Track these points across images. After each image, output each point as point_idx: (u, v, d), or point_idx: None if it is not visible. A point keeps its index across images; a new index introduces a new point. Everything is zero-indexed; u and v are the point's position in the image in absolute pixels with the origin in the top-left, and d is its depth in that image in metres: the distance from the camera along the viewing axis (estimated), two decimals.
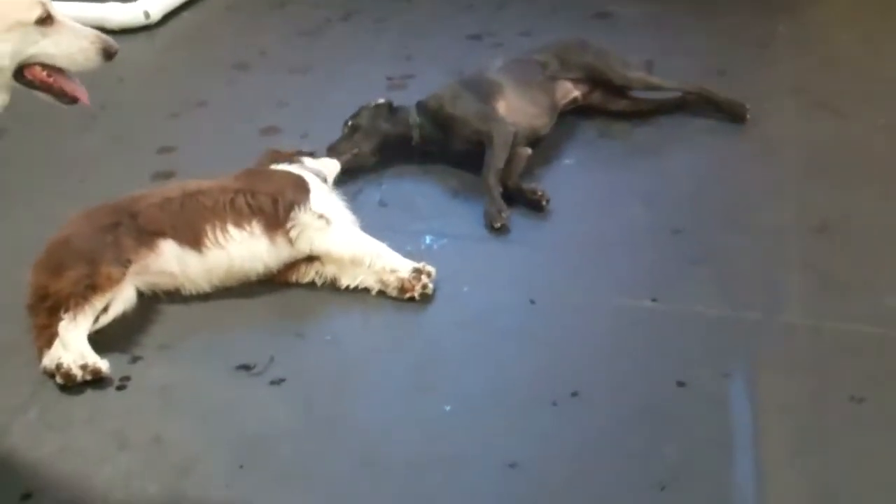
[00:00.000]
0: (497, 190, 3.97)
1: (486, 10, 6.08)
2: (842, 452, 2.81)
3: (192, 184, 3.64)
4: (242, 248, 3.51)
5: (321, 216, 3.56)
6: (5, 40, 2.76)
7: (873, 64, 5.17)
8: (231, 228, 3.50)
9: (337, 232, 3.56)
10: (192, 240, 3.48)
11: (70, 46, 2.85)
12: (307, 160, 3.95)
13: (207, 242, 3.48)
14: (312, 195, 3.63)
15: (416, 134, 4.30)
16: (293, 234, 3.53)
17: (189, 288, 3.53)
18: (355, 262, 3.53)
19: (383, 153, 4.28)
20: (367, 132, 4.23)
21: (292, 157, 3.95)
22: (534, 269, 3.70)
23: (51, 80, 2.87)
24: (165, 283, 3.52)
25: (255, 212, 3.54)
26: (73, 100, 2.91)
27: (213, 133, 4.74)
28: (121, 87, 5.26)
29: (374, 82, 5.05)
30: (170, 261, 3.48)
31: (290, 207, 3.55)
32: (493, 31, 5.72)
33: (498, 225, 3.85)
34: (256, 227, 3.52)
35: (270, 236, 3.53)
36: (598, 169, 4.35)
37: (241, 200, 3.55)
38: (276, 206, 3.54)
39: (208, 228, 3.48)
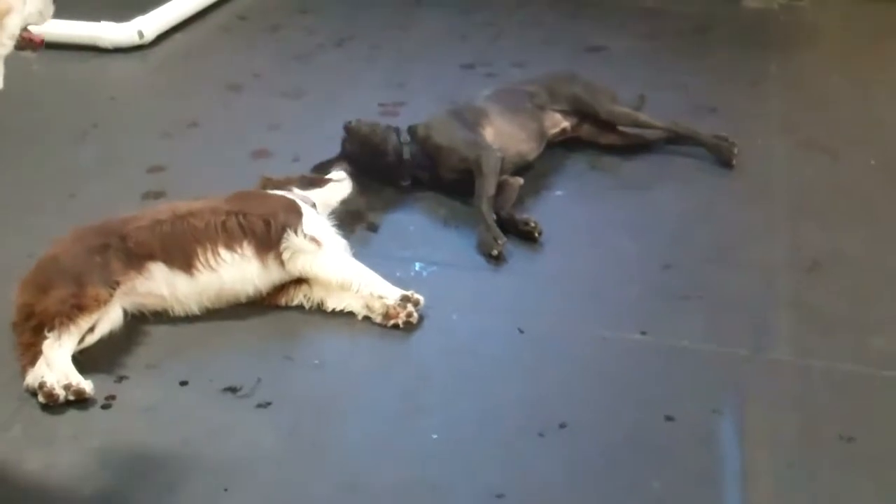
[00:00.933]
0: (491, 217, 3.96)
1: (480, 40, 6.12)
2: (830, 491, 2.81)
3: (183, 205, 3.62)
4: (234, 271, 3.50)
5: (313, 239, 3.55)
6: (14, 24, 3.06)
7: (864, 104, 5.22)
8: (222, 251, 3.49)
9: (327, 256, 3.55)
10: (183, 262, 3.46)
11: (44, 6, 3.21)
12: (296, 190, 3.91)
13: (198, 265, 3.46)
14: (304, 218, 3.62)
15: (406, 150, 4.31)
16: (285, 256, 3.52)
17: (178, 310, 3.51)
18: (344, 287, 3.52)
19: (374, 173, 4.29)
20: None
21: (283, 185, 3.93)
22: (523, 299, 3.69)
23: (27, 35, 3.17)
24: (153, 304, 3.50)
25: (247, 234, 3.52)
26: (41, 43, 3.22)
27: (205, 154, 4.74)
28: (113, 106, 5.27)
29: (367, 108, 5.04)
30: (159, 283, 3.46)
31: (282, 230, 3.53)
32: (486, 61, 5.75)
33: (495, 252, 3.85)
34: (248, 250, 3.51)
35: (262, 258, 3.52)
36: (588, 201, 4.35)
37: (232, 222, 3.53)
38: (268, 229, 3.53)
39: (199, 251, 3.47)
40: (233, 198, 3.70)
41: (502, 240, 3.88)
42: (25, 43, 3.16)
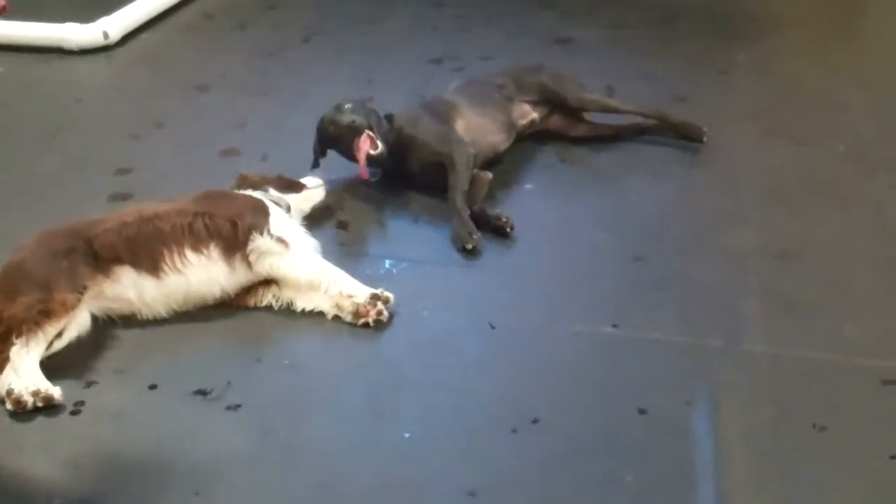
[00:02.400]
0: (465, 211, 3.94)
1: (447, 34, 6.09)
2: (804, 480, 2.81)
3: (149, 208, 3.58)
4: (200, 273, 3.47)
5: (280, 240, 3.53)
6: None
7: (831, 91, 5.22)
8: (189, 253, 3.46)
9: (295, 256, 3.53)
10: (150, 265, 3.43)
11: None
12: (272, 191, 3.88)
13: (165, 268, 3.43)
14: (271, 219, 3.59)
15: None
16: (252, 258, 3.50)
17: (145, 313, 3.47)
18: (313, 287, 3.50)
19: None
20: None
21: (259, 184, 3.89)
22: (494, 294, 3.67)
23: None
24: (121, 308, 3.46)
25: (214, 235, 3.49)
26: (4, 9, 3.15)
27: (172, 154, 4.70)
28: (79, 108, 5.23)
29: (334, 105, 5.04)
30: (126, 287, 3.43)
31: (248, 231, 3.51)
32: (454, 55, 5.72)
33: (470, 246, 3.83)
34: (214, 251, 3.48)
35: (229, 260, 3.49)
36: (558, 194, 4.34)
37: (199, 224, 3.50)
38: (234, 230, 3.50)
39: (166, 253, 3.44)
40: (200, 198, 3.67)
41: (477, 234, 3.86)
42: None
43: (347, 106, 4.22)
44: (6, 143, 4.80)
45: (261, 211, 3.61)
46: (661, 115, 4.69)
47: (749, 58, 5.63)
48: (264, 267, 3.50)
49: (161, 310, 3.48)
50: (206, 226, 3.50)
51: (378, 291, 3.48)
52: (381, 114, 4.32)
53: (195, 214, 3.52)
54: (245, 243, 3.49)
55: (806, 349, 3.31)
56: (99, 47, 5.82)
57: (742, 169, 4.45)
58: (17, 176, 4.49)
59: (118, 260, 3.42)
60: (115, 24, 5.90)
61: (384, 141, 4.14)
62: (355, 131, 4.07)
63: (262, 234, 3.51)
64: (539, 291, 3.68)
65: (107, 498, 2.82)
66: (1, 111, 5.09)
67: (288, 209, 3.82)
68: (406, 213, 4.15)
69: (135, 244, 3.44)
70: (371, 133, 4.06)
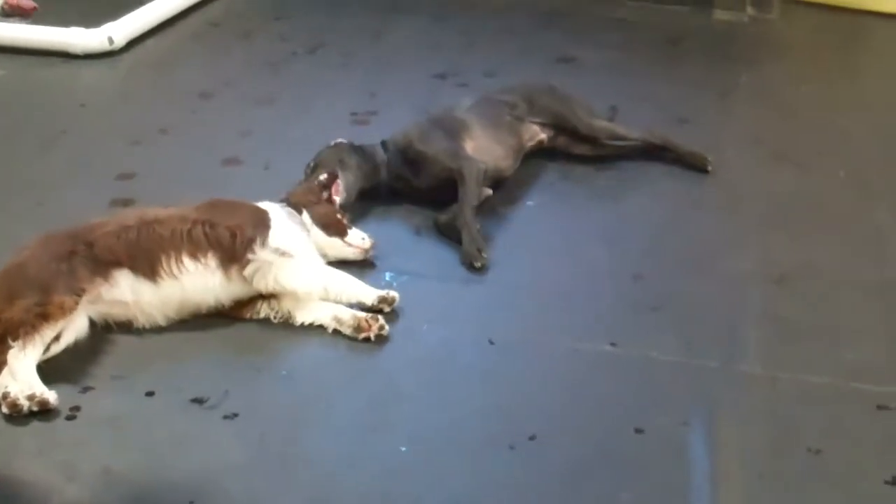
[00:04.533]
0: (476, 227, 3.95)
1: (452, 49, 6.11)
2: (799, 503, 2.81)
3: (151, 212, 3.57)
4: (196, 281, 3.45)
5: (281, 251, 3.51)
6: None
7: (833, 116, 5.25)
8: (186, 259, 3.44)
9: (297, 267, 3.52)
10: (147, 269, 3.42)
11: None
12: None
13: (162, 272, 3.42)
14: (273, 230, 3.57)
15: (384, 171, 4.28)
16: (249, 270, 3.47)
17: (142, 320, 3.46)
18: (317, 297, 3.50)
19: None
20: (346, 169, 4.14)
21: (298, 204, 3.83)
22: (494, 310, 3.68)
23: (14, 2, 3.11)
24: (119, 313, 3.45)
25: (213, 244, 3.48)
26: (33, 10, 3.15)
27: (174, 161, 4.70)
28: (82, 113, 5.23)
29: (339, 117, 5.06)
30: (124, 291, 3.42)
31: (248, 243, 3.48)
32: (458, 71, 5.74)
33: (479, 265, 3.83)
34: (212, 260, 3.47)
35: (225, 270, 3.47)
36: (560, 211, 4.35)
37: (198, 231, 3.49)
38: (233, 241, 3.48)
39: (163, 258, 3.43)
40: (203, 206, 3.65)
41: (486, 252, 3.87)
42: (13, 9, 3.08)
43: (323, 152, 4.19)
44: (8, 147, 4.80)
45: (262, 222, 3.59)
46: (667, 142, 4.69)
47: (751, 81, 5.66)
48: (263, 282, 3.48)
49: (158, 317, 3.46)
50: (205, 234, 3.48)
51: (384, 293, 3.51)
52: (377, 135, 4.34)
53: (195, 222, 3.51)
54: (244, 255, 3.47)
55: (803, 372, 3.31)
56: (104, 52, 5.82)
57: (743, 191, 4.47)
58: (19, 178, 4.49)
59: (117, 263, 3.41)
60: (120, 30, 5.90)
61: (387, 172, 4.22)
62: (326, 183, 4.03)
63: (262, 245, 3.50)
64: (538, 308, 3.69)
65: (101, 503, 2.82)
66: (3, 114, 5.09)
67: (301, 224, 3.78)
68: (408, 228, 4.15)
69: (134, 248, 3.43)
70: (338, 181, 4.04)
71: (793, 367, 3.33)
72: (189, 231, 3.48)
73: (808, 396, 3.21)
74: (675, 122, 5.02)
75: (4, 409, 3.07)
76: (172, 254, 3.43)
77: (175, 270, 3.43)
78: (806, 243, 4.06)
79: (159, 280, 3.42)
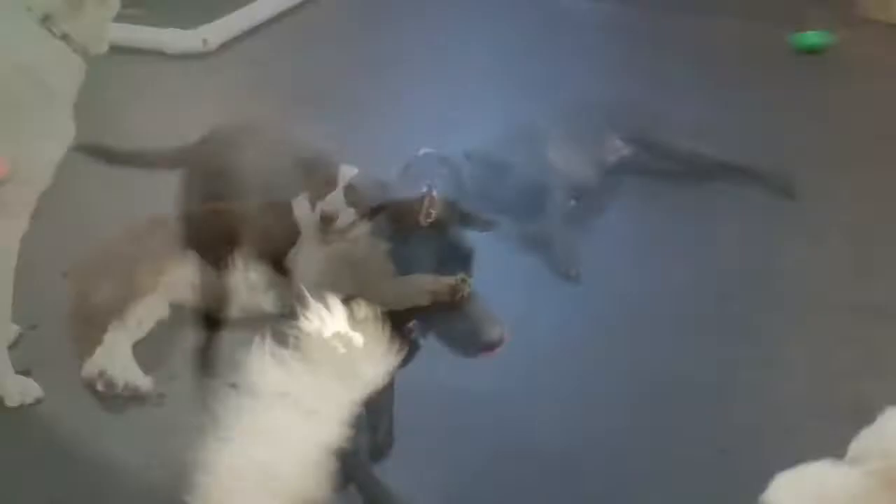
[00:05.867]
0: (568, 234, 3.99)
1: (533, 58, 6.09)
2: None
3: (242, 205, 3.61)
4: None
5: None
6: None
7: None
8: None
9: None
10: (218, 260, 3.41)
11: None
12: None
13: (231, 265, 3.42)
14: None
15: (468, 182, 4.26)
16: None
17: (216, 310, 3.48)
18: None
19: None
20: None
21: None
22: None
23: None
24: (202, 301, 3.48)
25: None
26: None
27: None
28: (172, 111, 5.31)
29: (427, 126, 5.07)
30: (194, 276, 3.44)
31: None
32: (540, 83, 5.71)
33: (574, 272, 3.89)
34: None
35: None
36: (639, 229, 4.37)
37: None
38: None
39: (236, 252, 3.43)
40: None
41: (578, 258, 3.91)
42: None
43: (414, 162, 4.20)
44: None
45: None
46: (751, 164, 4.66)
47: (844, 103, 5.52)
48: None
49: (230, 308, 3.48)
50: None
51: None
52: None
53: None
54: None
55: None
56: (198, 53, 5.95)
57: (828, 220, 4.39)
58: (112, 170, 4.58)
59: (193, 248, 3.43)
60: (215, 33, 6.04)
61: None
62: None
63: None
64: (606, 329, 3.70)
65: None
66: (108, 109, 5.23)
67: None
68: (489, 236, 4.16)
69: (208, 236, 3.43)
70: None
71: None
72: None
73: None
74: (763, 143, 4.97)
75: (100, 387, 3.15)
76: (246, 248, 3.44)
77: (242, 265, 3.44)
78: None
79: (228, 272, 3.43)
